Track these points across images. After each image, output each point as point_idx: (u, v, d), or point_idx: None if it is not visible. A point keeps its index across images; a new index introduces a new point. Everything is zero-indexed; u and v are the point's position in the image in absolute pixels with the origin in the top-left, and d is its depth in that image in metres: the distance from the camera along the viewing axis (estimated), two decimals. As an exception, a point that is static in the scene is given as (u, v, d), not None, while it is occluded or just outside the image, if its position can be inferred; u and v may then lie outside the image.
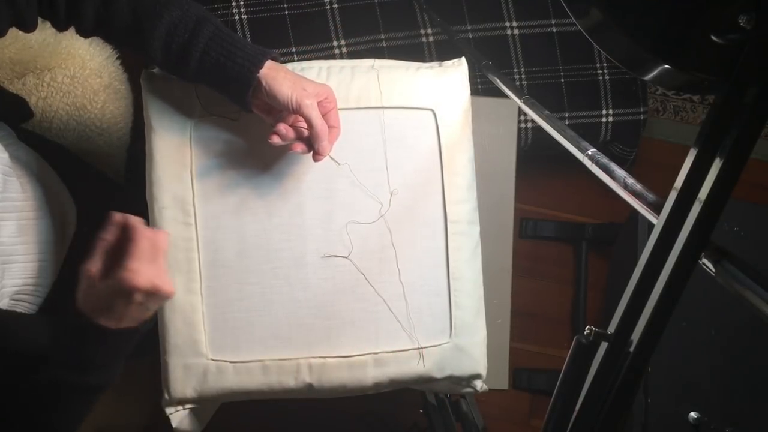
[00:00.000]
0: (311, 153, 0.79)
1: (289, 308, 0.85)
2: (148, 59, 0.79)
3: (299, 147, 0.79)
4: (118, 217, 0.70)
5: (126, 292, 0.67)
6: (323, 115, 0.79)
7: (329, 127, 0.80)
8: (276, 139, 0.78)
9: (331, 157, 0.81)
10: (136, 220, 0.69)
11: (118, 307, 0.68)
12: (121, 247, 0.68)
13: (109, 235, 0.69)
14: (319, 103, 0.79)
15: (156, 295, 0.69)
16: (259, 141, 0.84)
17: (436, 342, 0.87)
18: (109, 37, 0.78)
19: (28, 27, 0.74)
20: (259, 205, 0.85)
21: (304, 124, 0.78)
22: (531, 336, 1.65)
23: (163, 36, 0.75)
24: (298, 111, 0.76)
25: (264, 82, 0.76)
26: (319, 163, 0.81)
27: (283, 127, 0.78)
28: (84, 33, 0.77)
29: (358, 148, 0.87)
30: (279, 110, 0.80)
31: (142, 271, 0.67)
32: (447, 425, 1.10)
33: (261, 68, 0.76)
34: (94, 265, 0.68)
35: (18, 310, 0.80)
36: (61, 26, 0.76)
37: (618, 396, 0.48)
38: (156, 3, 0.74)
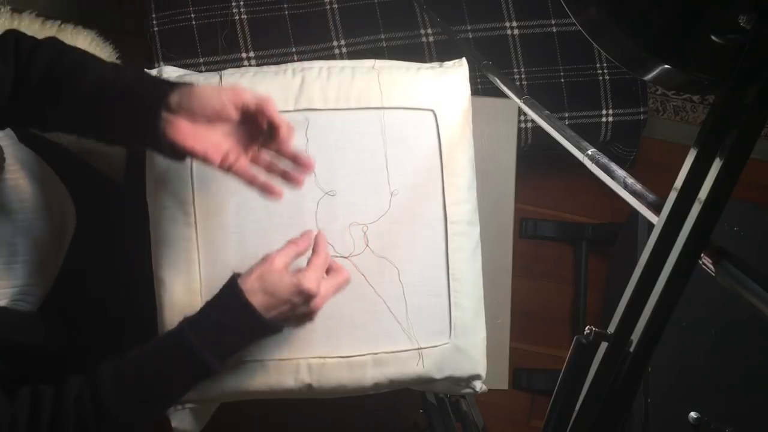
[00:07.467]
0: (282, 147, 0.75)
1: (289, 308, 0.85)
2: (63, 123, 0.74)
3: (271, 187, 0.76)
4: (312, 232, 0.80)
5: (299, 292, 0.74)
6: None
7: None
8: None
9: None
10: (323, 238, 0.80)
11: (280, 303, 0.74)
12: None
13: (302, 244, 0.79)
14: None
15: (309, 310, 0.77)
16: (259, 141, 0.84)
17: (436, 342, 0.86)
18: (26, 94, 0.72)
19: None
20: (259, 205, 0.85)
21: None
22: (531, 336, 1.64)
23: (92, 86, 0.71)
24: (234, 98, 0.71)
25: (189, 91, 0.71)
26: (319, 163, 0.81)
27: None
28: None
29: (358, 148, 0.87)
30: (205, 130, 0.72)
31: (317, 279, 0.76)
32: (447, 425, 1.10)
33: (176, 86, 0.72)
34: (281, 260, 0.76)
35: (19, 308, 0.80)
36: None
37: (618, 396, 0.48)
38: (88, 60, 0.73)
